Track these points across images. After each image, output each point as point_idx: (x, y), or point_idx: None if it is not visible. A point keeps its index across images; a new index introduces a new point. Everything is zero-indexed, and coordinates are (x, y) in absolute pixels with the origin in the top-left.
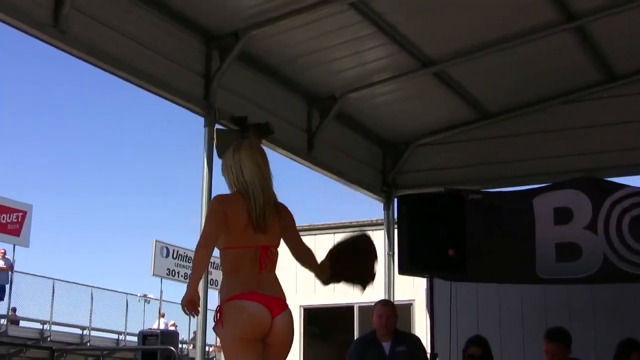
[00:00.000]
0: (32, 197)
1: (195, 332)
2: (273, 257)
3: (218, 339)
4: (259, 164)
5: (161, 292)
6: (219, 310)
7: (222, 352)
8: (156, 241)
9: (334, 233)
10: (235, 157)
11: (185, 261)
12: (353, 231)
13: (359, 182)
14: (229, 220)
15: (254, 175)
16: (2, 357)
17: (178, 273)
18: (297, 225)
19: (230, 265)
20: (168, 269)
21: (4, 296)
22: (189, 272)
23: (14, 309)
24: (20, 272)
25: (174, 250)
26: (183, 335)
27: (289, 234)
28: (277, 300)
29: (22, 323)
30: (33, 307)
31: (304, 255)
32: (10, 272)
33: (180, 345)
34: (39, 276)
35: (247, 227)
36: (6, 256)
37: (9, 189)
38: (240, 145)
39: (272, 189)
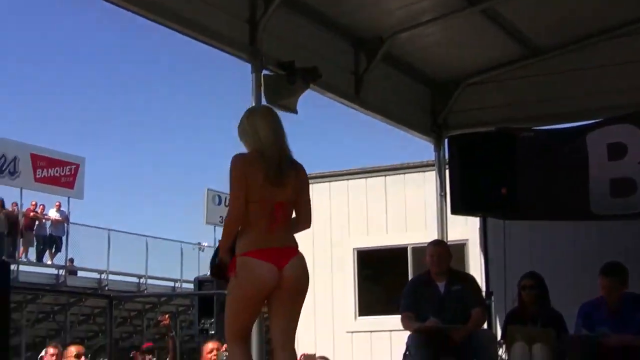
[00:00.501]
0: (84, 150)
1: None
2: (288, 212)
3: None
4: (273, 124)
5: (215, 239)
6: (233, 261)
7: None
8: (208, 190)
9: (385, 176)
10: (249, 120)
11: None
12: (404, 173)
13: (408, 124)
14: (250, 178)
15: (269, 134)
16: (63, 307)
17: None
18: (349, 169)
19: (248, 220)
20: (221, 216)
21: (61, 247)
22: None
23: (71, 260)
24: (76, 224)
25: (225, 198)
26: None
27: (301, 193)
28: (285, 251)
29: (79, 273)
30: (90, 257)
31: (294, 221)
32: (65, 224)
33: None
34: (94, 227)
35: (264, 183)
36: (61, 208)
37: (61, 143)
38: (254, 110)
39: (288, 147)
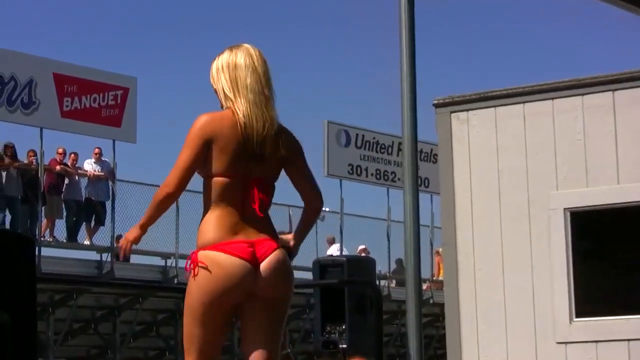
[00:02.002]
0: (135, 69)
1: (399, 262)
2: (267, 193)
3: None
4: (259, 76)
5: (341, 201)
6: (192, 256)
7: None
8: (329, 123)
9: (613, 90)
10: (229, 65)
11: (376, 151)
12: None
13: None
14: (219, 144)
15: (253, 88)
16: (110, 311)
17: (366, 170)
18: (552, 82)
19: (214, 199)
20: (350, 164)
21: (104, 219)
22: (382, 168)
23: (120, 238)
24: (126, 182)
25: (357, 135)
26: (380, 267)
27: (292, 168)
28: (263, 243)
29: (134, 258)
30: (148, 233)
31: (304, 199)
32: (110, 182)
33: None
34: (154, 186)
35: (239, 153)
36: (102, 158)
37: (100, 58)
38: (235, 50)
39: (274, 109)
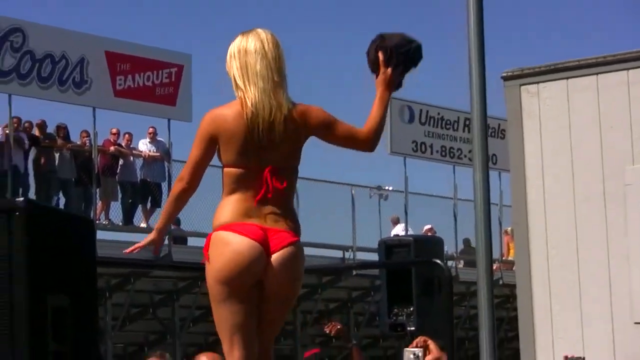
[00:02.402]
0: (190, 46)
1: (467, 242)
2: (283, 181)
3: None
4: (269, 61)
5: (406, 179)
6: (206, 240)
7: None
8: (392, 98)
9: None
10: (240, 51)
11: (442, 127)
12: None
13: None
14: (224, 139)
15: (263, 75)
16: (168, 295)
17: (431, 147)
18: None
19: (230, 187)
20: (414, 141)
21: (160, 200)
22: (448, 145)
23: (178, 221)
24: (182, 162)
25: (421, 111)
26: (447, 247)
27: (326, 134)
28: (278, 233)
29: (191, 241)
30: (206, 215)
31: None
32: (166, 163)
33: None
34: (211, 166)
35: (246, 144)
36: (158, 138)
37: (154, 36)
38: (247, 35)
39: (284, 95)
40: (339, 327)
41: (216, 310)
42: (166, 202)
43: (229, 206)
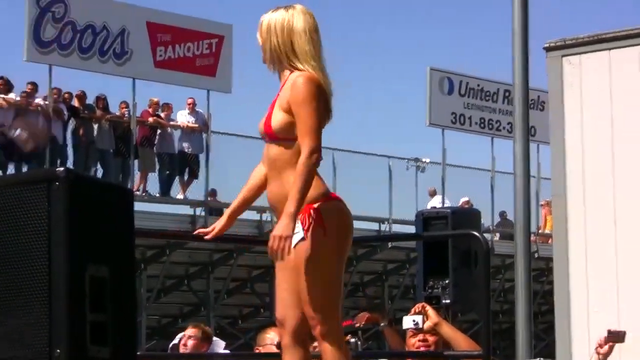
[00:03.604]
0: (231, 16)
1: (503, 214)
2: None
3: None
4: (317, 42)
5: (444, 151)
6: (316, 209)
7: (310, 265)
8: (431, 70)
9: None
10: (284, 27)
11: (481, 98)
12: None
13: None
14: (326, 107)
15: (313, 54)
16: (204, 267)
17: (470, 119)
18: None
19: None
20: (453, 113)
21: (197, 172)
22: (487, 116)
23: (214, 192)
24: (221, 133)
25: (461, 82)
26: (483, 220)
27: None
28: None
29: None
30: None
31: None
32: (204, 134)
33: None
34: (250, 137)
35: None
36: (197, 109)
37: (194, 5)
38: (292, 8)
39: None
40: (367, 316)
41: (332, 283)
42: (301, 181)
43: (317, 176)
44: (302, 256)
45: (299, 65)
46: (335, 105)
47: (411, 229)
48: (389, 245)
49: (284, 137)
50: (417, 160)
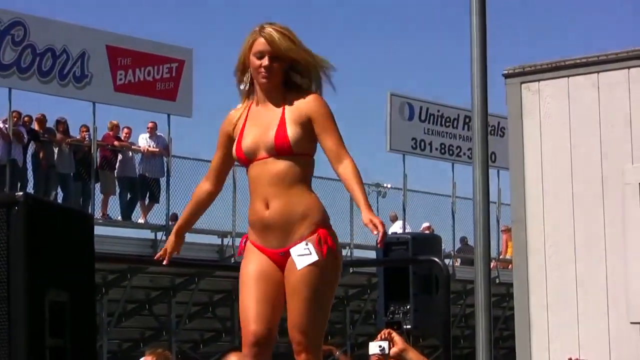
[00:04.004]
0: (192, 39)
1: (464, 240)
2: None
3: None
4: None
5: (404, 177)
6: (330, 235)
7: (318, 290)
8: (392, 95)
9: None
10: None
11: (441, 124)
12: None
13: None
14: None
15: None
16: (165, 291)
17: (431, 145)
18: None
19: (309, 180)
20: (414, 138)
21: (158, 196)
22: (447, 142)
23: (175, 216)
24: (181, 157)
25: (421, 108)
26: (444, 245)
27: None
28: None
29: (189, 237)
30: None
31: None
32: (165, 158)
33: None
34: (209, 162)
35: None
36: (158, 132)
37: (155, 29)
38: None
39: None
40: (324, 348)
41: (328, 312)
42: (360, 186)
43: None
44: (310, 279)
45: (312, 86)
46: None
47: (373, 254)
48: (351, 270)
49: (299, 152)
50: (378, 185)
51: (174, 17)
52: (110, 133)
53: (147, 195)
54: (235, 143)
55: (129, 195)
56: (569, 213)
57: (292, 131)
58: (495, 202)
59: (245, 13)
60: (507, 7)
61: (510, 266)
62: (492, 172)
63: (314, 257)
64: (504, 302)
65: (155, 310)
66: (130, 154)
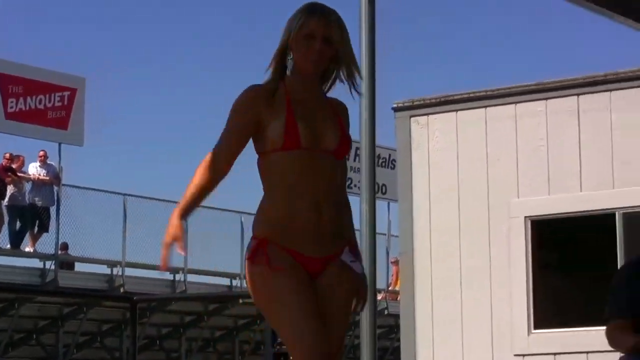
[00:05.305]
0: (84, 69)
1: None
2: None
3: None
4: None
5: None
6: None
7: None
8: None
9: (577, 95)
10: None
11: None
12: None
13: (618, 5)
14: None
15: None
16: (53, 321)
17: None
18: (514, 86)
19: None
20: None
21: (48, 225)
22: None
23: (65, 246)
24: (72, 186)
25: None
26: None
27: None
28: None
29: (78, 266)
30: (94, 240)
31: None
32: (56, 187)
33: None
34: (101, 191)
35: None
36: (49, 161)
37: (47, 57)
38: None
39: None
40: None
41: None
42: None
43: None
44: (360, 289)
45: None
46: (188, 162)
47: None
48: (240, 301)
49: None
50: None
51: (67, 46)
52: (3, 163)
53: (37, 224)
54: (278, 126)
55: (18, 224)
56: (455, 245)
57: (349, 139)
58: (385, 234)
59: (137, 45)
60: (398, 40)
61: (399, 298)
62: (383, 203)
63: (361, 267)
64: (392, 334)
65: (43, 340)
66: (21, 182)
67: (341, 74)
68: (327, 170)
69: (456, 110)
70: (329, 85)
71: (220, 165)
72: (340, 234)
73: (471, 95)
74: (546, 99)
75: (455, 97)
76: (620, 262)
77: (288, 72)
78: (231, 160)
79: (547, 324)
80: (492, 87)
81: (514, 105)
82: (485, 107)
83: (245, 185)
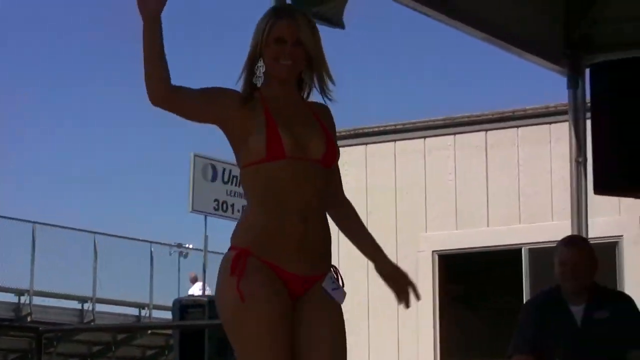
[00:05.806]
0: None
1: None
2: None
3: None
4: None
5: (205, 238)
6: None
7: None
8: (195, 156)
9: (486, 130)
10: None
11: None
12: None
13: (524, 43)
14: None
15: None
16: None
17: (233, 207)
18: (425, 120)
19: None
20: (216, 199)
21: None
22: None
23: None
24: None
25: (224, 170)
26: None
27: None
28: None
29: None
30: (1, 268)
31: None
32: None
33: None
34: (8, 218)
35: None
36: None
37: None
38: None
39: None
40: None
41: None
42: None
43: None
44: (342, 324)
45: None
46: (100, 190)
47: (170, 316)
48: (149, 332)
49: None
50: (180, 245)
51: None
52: None
53: None
54: (259, 137)
55: None
56: (363, 279)
57: (335, 144)
58: None
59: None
60: None
61: None
62: None
63: (343, 294)
64: None
65: None
66: None
67: (313, 78)
68: (314, 179)
69: (366, 144)
70: (306, 91)
71: (166, 83)
72: (325, 255)
73: (381, 128)
74: (455, 133)
75: (365, 130)
76: (526, 297)
77: (259, 82)
78: (170, 90)
79: (453, 357)
80: (402, 121)
81: (423, 139)
82: (395, 140)
83: (153, 217)
